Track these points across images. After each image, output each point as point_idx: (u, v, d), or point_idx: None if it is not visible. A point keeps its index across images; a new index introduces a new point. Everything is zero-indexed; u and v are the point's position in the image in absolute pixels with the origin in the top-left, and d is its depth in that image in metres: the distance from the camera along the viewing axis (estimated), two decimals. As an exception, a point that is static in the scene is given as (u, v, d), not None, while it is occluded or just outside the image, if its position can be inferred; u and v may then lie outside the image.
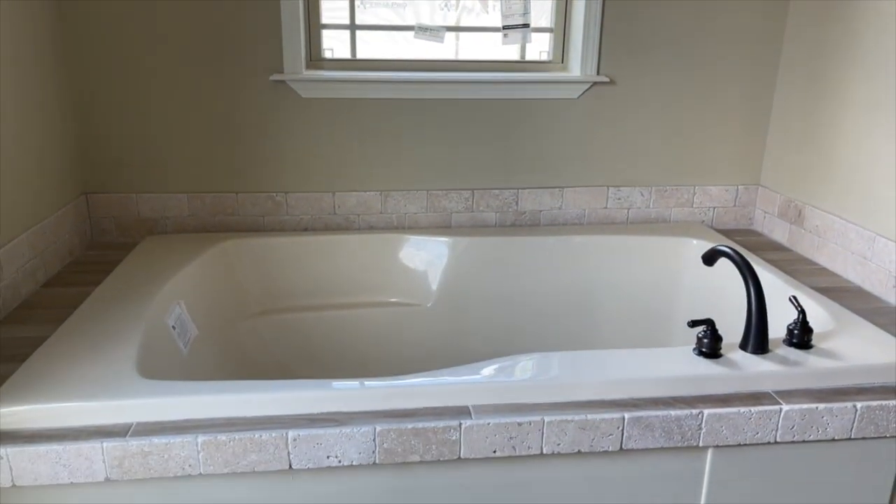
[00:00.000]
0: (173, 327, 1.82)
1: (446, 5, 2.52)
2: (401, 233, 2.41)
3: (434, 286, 2.38)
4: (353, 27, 2.41)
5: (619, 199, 2.55)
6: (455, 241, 2.38)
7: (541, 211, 2.53)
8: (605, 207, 2.56)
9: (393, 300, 2.38)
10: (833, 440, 1.45)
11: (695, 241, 2.37)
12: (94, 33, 2.16)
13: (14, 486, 1.25)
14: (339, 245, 2.37)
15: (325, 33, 2.39)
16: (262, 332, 2.26)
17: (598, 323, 2.43)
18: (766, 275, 2.05)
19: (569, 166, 2.50)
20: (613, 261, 2.40)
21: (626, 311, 2.42)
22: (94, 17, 2.15)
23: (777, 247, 2.41)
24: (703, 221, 2.61)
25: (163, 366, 1.64)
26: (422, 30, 2.45)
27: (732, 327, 1.83)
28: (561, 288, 2.41)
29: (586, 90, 2.42)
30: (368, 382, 1.41)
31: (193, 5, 2.17)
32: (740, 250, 2.09)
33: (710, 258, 1.70)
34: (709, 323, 1.54)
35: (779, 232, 2.46)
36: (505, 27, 2.44)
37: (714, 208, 2.60)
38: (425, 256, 2.39)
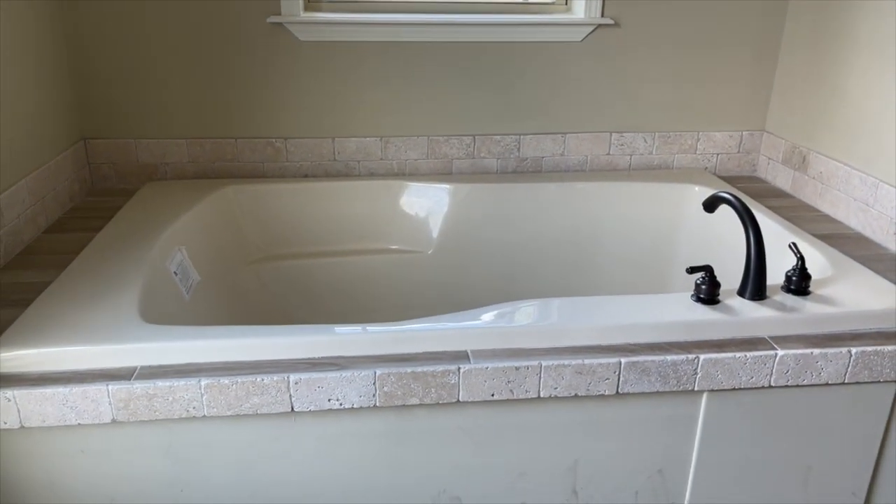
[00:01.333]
0: (175, 273, 1.84)
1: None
2: (401, 179, 2.40)
3: (435, 233, 2.38)
4: (351, -34, 2.35)
5: (622, 145, 2.53)
6: (456, 188, 2.37)
7: (543, 157, 2.51)
8: (608, 153, 2.53)
9: (394, 247, 2.39)
10: (827, 384, 1.47)
11: (697, 188, 2.36)
12: (86, -27, 2.11)
13: (22, 427, 1.28)
14: (339, 192, 2.36)
15: (323, -27, 2.34)
16: (263, 278, 2.27)
17: (599, 269, 2.44)
18: (766, 221, 2.04)
19: (571, 112, 2.47)
20: (615, 207, 2.40)
21: (628, 257, 2.43)
22: (86, -43, 2.09)
23: (780, 193, 2.39)
24: (707, 168, 2.59)
25: (165, 311, 1.66)
26: (422, -31, 2.38)
27: (732, 274, 1.84)
28: (562, 235, 2.41)
29: (590, 33, 2.37)
30: (369, 327, 1.42)
31: (187, -56, 2.12)
32: (742, 197, 2.08)
33: (710, 205, 1.69)
34: (707, 269, 1.54)
35: (782, 178, 2.44)
36: (508, -33, 2.38)
37: (717, 154, 2.57)
38: (426, 203, 2.39)
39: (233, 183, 2.31)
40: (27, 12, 1.94)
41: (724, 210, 2.03)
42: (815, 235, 1.98)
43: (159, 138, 2.32)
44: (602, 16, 2.35)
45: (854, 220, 2.07)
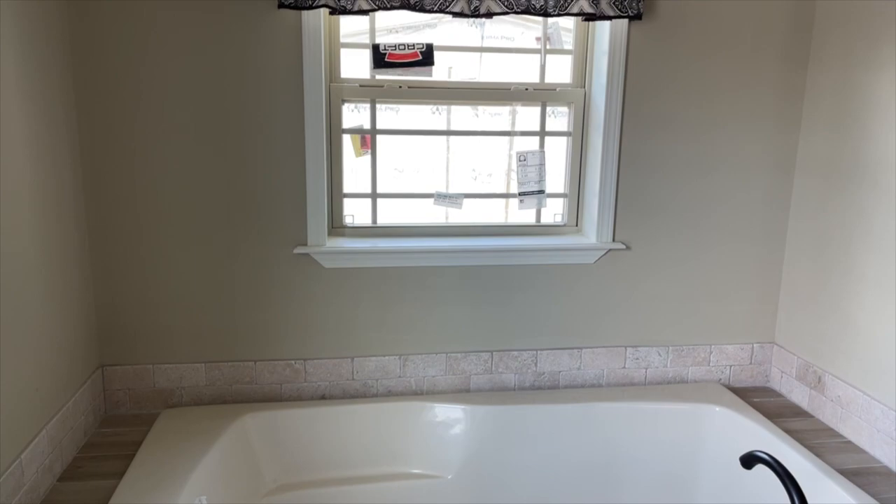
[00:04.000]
0: (197, 532, 1.76)
1: (471, 171, 2.59)
2: (420, 400, 2.39)
3: (455, 456, 2.33)
4: (374, 195, 2.45)
5: (637, 359, 2.56)
6: (474, 410, 2.35)
7: (560, 371, 2.53)
8: (624, 367, 2.56)
9: (414, 471, 2.33)
10: None
11: (717, 409, 2.36)
12: (117, 199, 2.18)
13: None
14: (356, 415, 2.33)
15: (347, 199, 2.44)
16: (280, 512, 2.19)
17: (620, 491, 2.39)
18: (792, 455, 2.03)
19: (586, 327, 2.52)
20: (634, 428, 2.38)
21: (649, 479, 2.38)
22: (118, 182, 2.17)
23: (798, 411, 2.40)
24: (720, 380, 2.61)
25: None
26: (441, 197, 2.50)
27: (755, 492, 1.81)
28: (583, 456, 2.37)
29: (602, 255, 2.46)
30: None
31: (215, 175, 2.21)
32: (768, 434, 2.07)
33: (747, 462, 1.69)
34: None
35: (798, 394, 2.46)
36: (521, 193, 2.50)
37: (731, 366, 2.61)
38: (445, 425, 2.36)
39: (250, 409, 2.28)
40: (57, 242, 1.98)
41: (745, 434, 2.03)
42: (842, 471, 1.97)
43: (177, 363, 2.31)
44: (613, 240, 2.45)
45: (880, 451, 2.07)
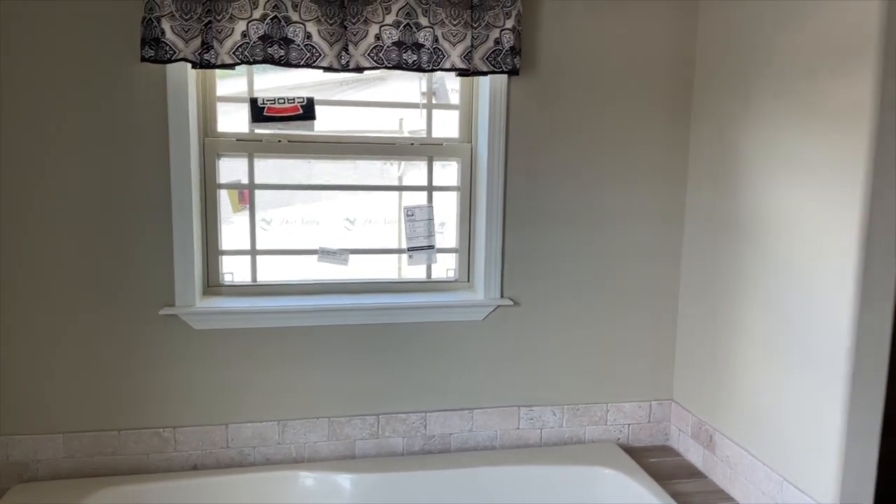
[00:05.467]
0: None
1: (352, 224, 2.52)
2: (300, 468, 2.25)
3: (334, 529, 2.19)
4: (253, 252, 2.36)
5: (531, 419, 2.47)
6: (359, 478, 2.22)
7: (451, 434, 2.42)
8: (518, 428, 2.46)
9: (289, 548, 2.18)
10: None
11: (608, 472, 2.27)
12: (-31, 272, 2.05)
13: None
14: (231, 486, 2.18)
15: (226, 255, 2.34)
16: None
17: (512, 561, 2.27)
18: (677, 522, 1.95)
19: (478, 387, 2.42)
20: (525, 492, 2.28)
21: (542, 547, 2.27)
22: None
23: (693, 472, 2.33)
24: (619, 439, 2.53)
25: None
26: (325, 253, 2.42)
27: None
28: (471, 525, 2.25)
29: (491, 312, 2.39)
30: None
31: (77, 233, 2.10)
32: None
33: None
34: None
35: (694, 453, 2.39)
36: (410, 249, 2.44)
37: (629, 425, 2.53)
38: (328, 495, 2.22)
39: (109, 484, 2.12)
40: None
41: (633, 498, 1.94)
42: (727, 538, 1.89)
43: (32, 434, 2.15)
44: (501, 297, 2.39)
45: (765, 515, 2.00)
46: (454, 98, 2.46)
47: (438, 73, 2.38)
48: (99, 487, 2.09)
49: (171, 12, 1.93)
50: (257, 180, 2.33)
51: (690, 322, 2.44)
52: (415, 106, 2.44)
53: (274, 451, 2.31)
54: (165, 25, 1.93)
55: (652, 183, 2.43)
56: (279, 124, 2.31)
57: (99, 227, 2.11)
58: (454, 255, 2.51)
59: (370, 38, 2.06)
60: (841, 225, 1.73)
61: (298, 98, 2.30)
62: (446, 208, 2.51)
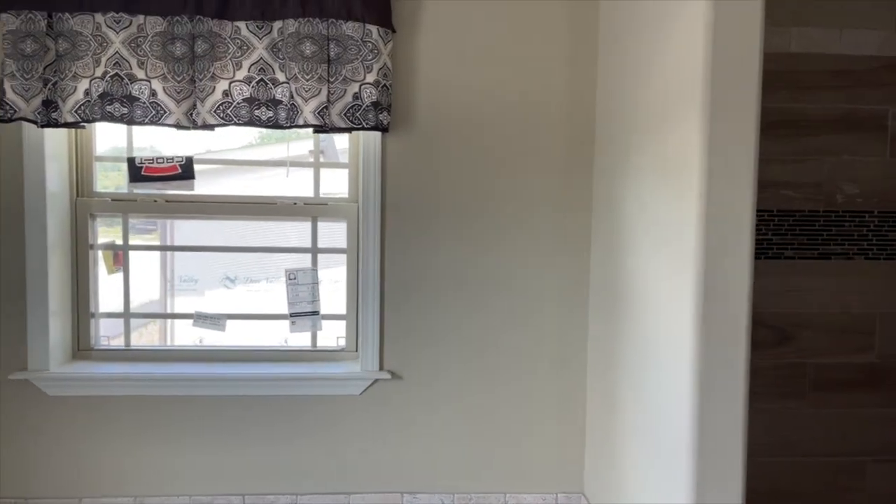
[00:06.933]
0: None
1: (232, 283, 2.40)
2: (149, 550, 2.09)
3: None
4: (126, 315, 2.27)
5: (416, 507, 2.22)
6: (205, 565, 2.04)
7: (326, 520, 2.20)
8: (401, 517, 2.22)
9: None
10: None
11: (480, 576, 1.99)
12: None
13: None
14: (72, 566, 2.04)
15: (104, 319, 2.27)
16: None
17: None
18: None
19: (355, 469, 2.21)
20: None
21: None
22: None
23: (587, 582, 2.00)
24: (518, 536, 2.23)
25: None
26: (201, 318, 2.30)
27: None
28: None
29: (369, 386, 2.19)
30: None
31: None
32: None
33: None
34: None
35: (594, 559, 2.06)
36: (292, 314, 2.29)
37: (530, 520, 2.24)
38: (171, 582, 2.04)
39: (-54, 556, 2.02)
40: None
41: None
42: None
43: None
44: (381, 369, 2.19)
45: None
46: (343, 157, 2.34)
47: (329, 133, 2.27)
48: (-69, 561, 1.99)
49: (13, 72, 1.92)
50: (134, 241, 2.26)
51: (596, 402, 2.15)
52: (306, 165, 2.33)
53: (130, 529, 2.16)
54: (6, 85, 1.92)
55: (550, 244, 2.19)
56: (158, 184, 2.25)
57: (-46, 288, 2.08)
58: (343, 322, 2.34)
59: (217, 95, 1.98)
60: (680, 294, 1.46)
61: (177, 157, 2.24)
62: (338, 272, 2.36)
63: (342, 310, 2.30)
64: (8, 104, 1.93)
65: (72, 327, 2.21)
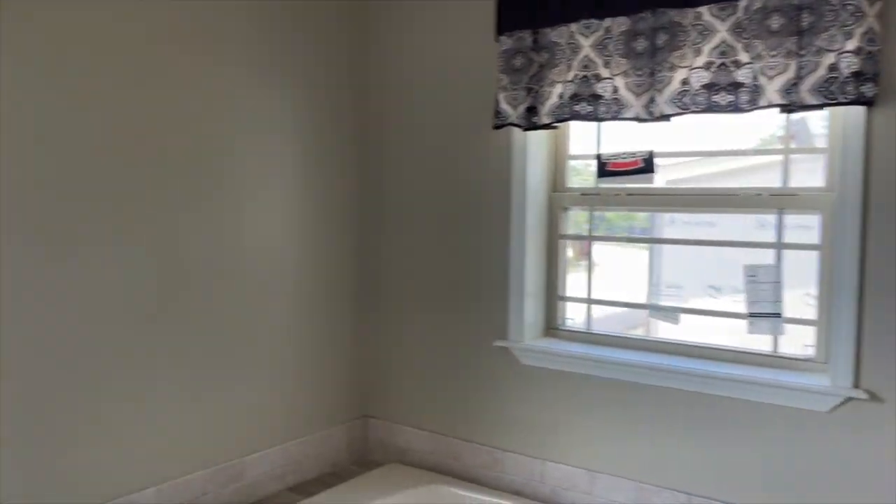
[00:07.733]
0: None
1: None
2: (597, 523, 2.21)
3: None
4: (588, 301, 2.45)
5: (898, 561, 1.82)
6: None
7: (778, 544, 1.99)
8: (876, 567, 1.84)
9: None
10: None
11: None
12: (385, 283, 2.76)
13: None
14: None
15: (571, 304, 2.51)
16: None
17: None
18: None
19: (815, 491, 1.93)
20: None
21: None
22: (385, 276, 2.75)
23: None
24: None
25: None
26: (656, 310, 2.34)
27: None
28: None
29: (839, 405, 1.89)
30: None
31: (442, 274, 2.59)
32: None
33: None
34: None
35: None
36: (751, 314, 2.14)
37: None
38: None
39: (448, 483, 2.49)
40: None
41: None
42: None
43: (409, 426, 2.71)
44: (856, 386, 1.86)
45: None
46: (819, 142, 2.07)
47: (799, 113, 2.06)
48: (438, 482, 2.49)
49: (504, 85, 2.26)
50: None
51: None
52: (775, 152, 2.15)
53: (581, 499, 2.32)
54: (500, 96, 2.28)
55: None
56: (621, 178, 2.37)
57: (454, 270, 2.56)
58: (813, 327, 2.07)
59: (674, 85, 1.97)
60: None
61: (640, 152, 2.32)
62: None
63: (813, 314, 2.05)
64: (501, 112, 2.28)
65: (544, 308, 2.49)
